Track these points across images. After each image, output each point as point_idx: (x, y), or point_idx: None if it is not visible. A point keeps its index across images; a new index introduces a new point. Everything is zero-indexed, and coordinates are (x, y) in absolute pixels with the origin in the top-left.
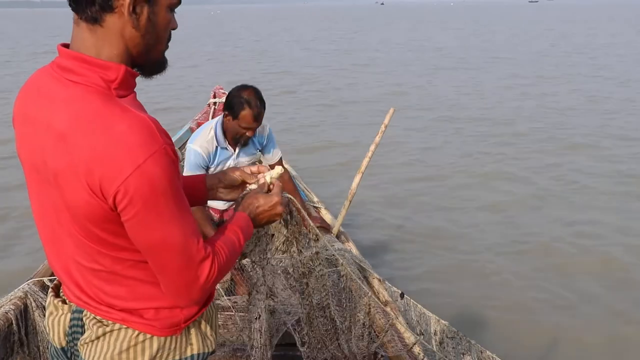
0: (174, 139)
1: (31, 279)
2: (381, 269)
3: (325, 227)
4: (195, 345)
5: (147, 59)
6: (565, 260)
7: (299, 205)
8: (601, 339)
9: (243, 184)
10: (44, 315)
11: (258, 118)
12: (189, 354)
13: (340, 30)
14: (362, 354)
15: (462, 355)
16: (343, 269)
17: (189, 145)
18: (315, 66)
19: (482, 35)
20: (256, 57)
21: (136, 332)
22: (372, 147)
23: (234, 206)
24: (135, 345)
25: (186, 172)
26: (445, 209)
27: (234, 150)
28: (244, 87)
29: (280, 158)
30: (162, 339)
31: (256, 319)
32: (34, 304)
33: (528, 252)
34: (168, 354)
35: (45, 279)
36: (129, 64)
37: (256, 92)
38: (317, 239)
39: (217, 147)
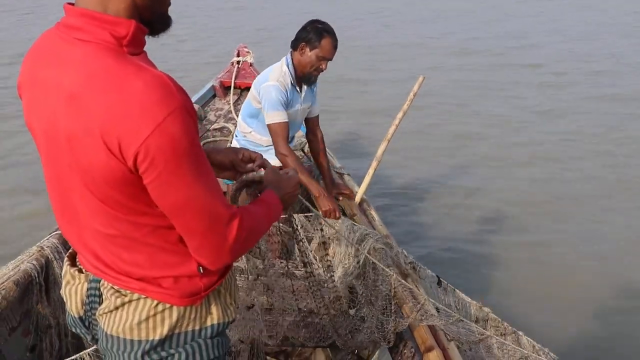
0: (195, 98)
1: (52, 232)
2: (405, 243)
3: (348, 195)
4: (215, 315)
5: (153, 11)
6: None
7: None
8: None
9: (233, 167)
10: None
11: (336, 47)
12: (209, 323)
13: None
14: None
15: (507, 347)
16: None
17: (264, 84)
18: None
19: None
20: None
21: (155, 302)
22: (400, 115)
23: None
24: (155, 315)
25: (271, 111)
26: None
27: (300, 93)
28: (317, 20)
29: (318, 116)
30: (182, 308)
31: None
32: (54, 257)
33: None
34: (188, 324)
35: None
36: (136, 20)
37: (330, 26)
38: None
39: (291, 83)
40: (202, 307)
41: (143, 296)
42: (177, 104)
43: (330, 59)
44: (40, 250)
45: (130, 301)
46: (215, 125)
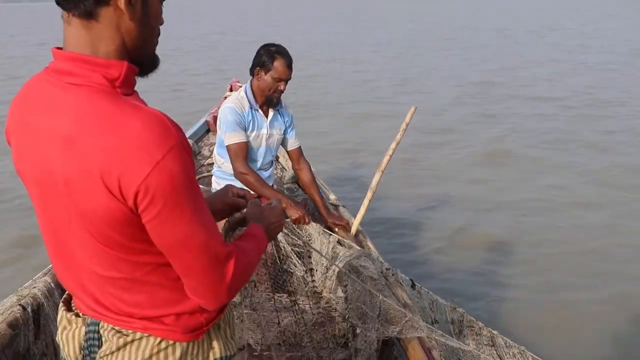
0: (189, 133)
1: (43, 271)
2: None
3: (344, 226)
4: (217, 349)
5: (142, 53)
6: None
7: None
8: None
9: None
10: (57, 309)
11: (290, 67)
12: (211, 358)
13: None
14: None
15: (483, 347)
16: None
17: (221, 108)
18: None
19: None
20: None
21: (158, 340)
22: (393, 146)
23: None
24: (158, 352)
25: (229, 133)
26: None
27: (266, 117)
28: (270, 44)
29: (300, 147)
30: (185, 344)
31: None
32: (46, 295)
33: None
34: None
35: None
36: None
37: (283, 47)
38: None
39: (250, 108)
40: (204, 342)
41: (146, 335)
42: (174, 141)
43: (287, 79)
44: (30, 290)
45: (132, 341)
46: (209, 160)
